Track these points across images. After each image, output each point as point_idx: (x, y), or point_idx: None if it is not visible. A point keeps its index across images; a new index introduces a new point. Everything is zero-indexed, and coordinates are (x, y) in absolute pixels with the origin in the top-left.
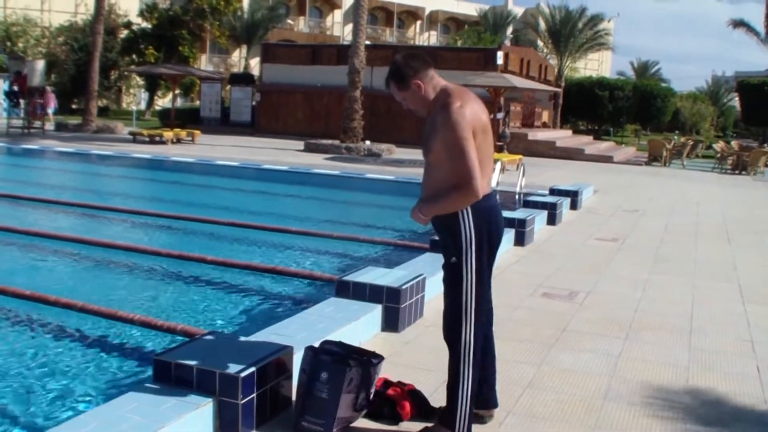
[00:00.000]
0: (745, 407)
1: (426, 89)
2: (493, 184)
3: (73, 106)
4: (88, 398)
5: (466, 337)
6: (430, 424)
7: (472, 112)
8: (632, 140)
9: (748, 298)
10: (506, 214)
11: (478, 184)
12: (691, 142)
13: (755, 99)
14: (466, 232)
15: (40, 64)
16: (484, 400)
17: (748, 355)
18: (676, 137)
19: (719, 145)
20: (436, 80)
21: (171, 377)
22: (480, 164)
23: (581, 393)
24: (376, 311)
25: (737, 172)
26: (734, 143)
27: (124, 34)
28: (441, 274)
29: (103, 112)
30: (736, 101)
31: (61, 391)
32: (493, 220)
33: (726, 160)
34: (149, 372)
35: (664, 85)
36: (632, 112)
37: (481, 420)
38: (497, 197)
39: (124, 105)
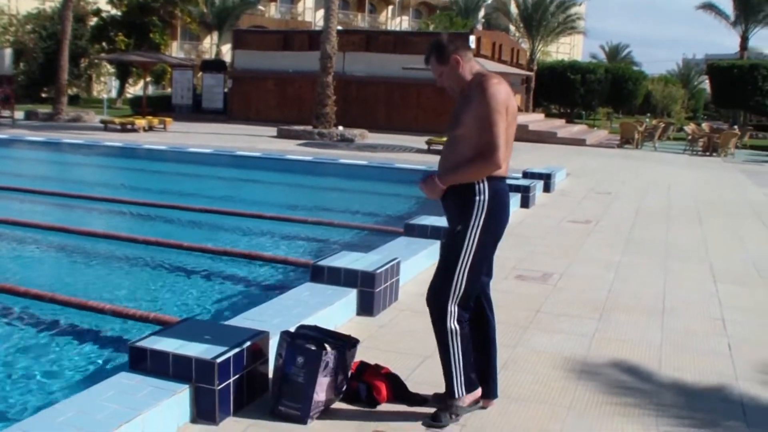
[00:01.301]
0: (717, 384)
1: (463, 67)
2: None
3: (43, 95)
4: (63, 388)
5: (452, 306)
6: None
7: (506, 93)
8: (604, 123)
9: (720, 278)
10: None
11: (500, 155)
12: (663, 125)
13: (725, 81)
14: (479, 205)
15: (8, 53)
16: (487, 390)
17: (720, 333)
18: (647, 120)
19: (690, 128)
20: (473, 63)
21: (147, 365)
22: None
23: (556, 374)
24: (351, 296)
25: (708, 154)
26: (705, 125)
27: (93, 21)
28: (415, 258)
29: (74, 100)
30: (706, 84)
31: (37, 381)
32: (505, 203)
33: (697, 142)
34: (125, 360)
35: (635, 68)
36: (604, 95)
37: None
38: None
39: (94, 93)
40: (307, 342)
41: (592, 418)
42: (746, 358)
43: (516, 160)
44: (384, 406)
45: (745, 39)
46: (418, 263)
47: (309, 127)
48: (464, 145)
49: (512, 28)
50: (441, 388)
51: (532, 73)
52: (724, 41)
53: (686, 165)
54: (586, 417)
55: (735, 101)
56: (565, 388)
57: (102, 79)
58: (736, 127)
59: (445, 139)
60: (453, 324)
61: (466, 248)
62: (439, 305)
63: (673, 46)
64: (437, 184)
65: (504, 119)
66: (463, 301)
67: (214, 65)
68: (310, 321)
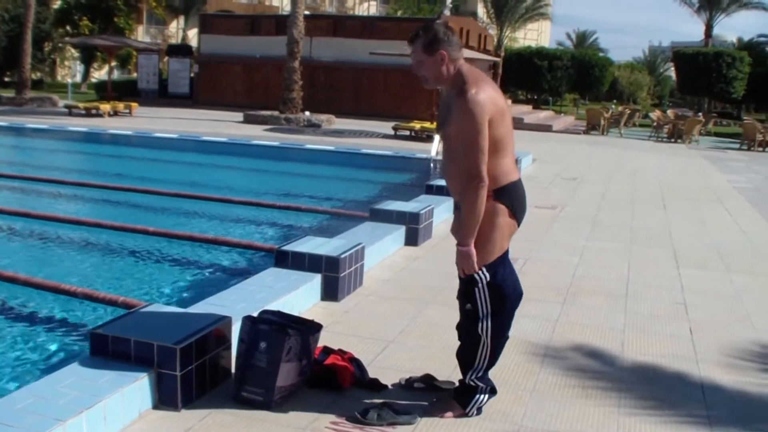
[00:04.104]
0: (678, 367)
1: (447, 65)
2: (432, 153)
3: (6, 79)
4: (24, 374)
5: (481, 358)
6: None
7: (488, 98)
8: (571, 109)
9: (682, 263)
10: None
11: (483, 174)
12: (629, 111)
13: (690, 69)
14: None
15: None
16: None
17: (682, 317)
18: (613, 106)
19: (656, 114)
20: (458, 63)
21: (108, 351)
22: (500, 146)
23: (520, 357)
24: (315, 281)
25: (673, 140)
26: (670, 112)
27: (57, 4)
28: (380, 243)
29: (38, 85)
30: (672, 71)
31: None
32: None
33: (662, 129)
34: (88, 346)
35: (601, 54)
36: (571, 81)
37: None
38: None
39: (59, 78)
40: (269, 327)
41: (554, 402)
42: (706, 342)
43: None
44: (347, 392)
45: (709, 27)
46: (383, 248)
47: (276, 113)
48: (458, 158)
49: (481, 13)
50: (405, 374)
51: (499, 59)
52: (689, 29)
53: (651, 151)
54: (548, 400)
55: (700, 88)
56: (528, 372)
57: (66, 63)
58: (700, 114)
59: (412, 124)
60: (484, 361)
61: (481, 300)
62: (472, 351)
63: (640, 33)
64: (465, 252)
65: (485, 136)
66: (494, 343)
67: (180, 50)
68: (274, 306)
